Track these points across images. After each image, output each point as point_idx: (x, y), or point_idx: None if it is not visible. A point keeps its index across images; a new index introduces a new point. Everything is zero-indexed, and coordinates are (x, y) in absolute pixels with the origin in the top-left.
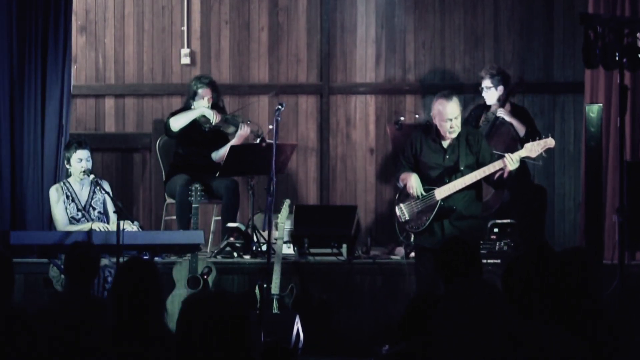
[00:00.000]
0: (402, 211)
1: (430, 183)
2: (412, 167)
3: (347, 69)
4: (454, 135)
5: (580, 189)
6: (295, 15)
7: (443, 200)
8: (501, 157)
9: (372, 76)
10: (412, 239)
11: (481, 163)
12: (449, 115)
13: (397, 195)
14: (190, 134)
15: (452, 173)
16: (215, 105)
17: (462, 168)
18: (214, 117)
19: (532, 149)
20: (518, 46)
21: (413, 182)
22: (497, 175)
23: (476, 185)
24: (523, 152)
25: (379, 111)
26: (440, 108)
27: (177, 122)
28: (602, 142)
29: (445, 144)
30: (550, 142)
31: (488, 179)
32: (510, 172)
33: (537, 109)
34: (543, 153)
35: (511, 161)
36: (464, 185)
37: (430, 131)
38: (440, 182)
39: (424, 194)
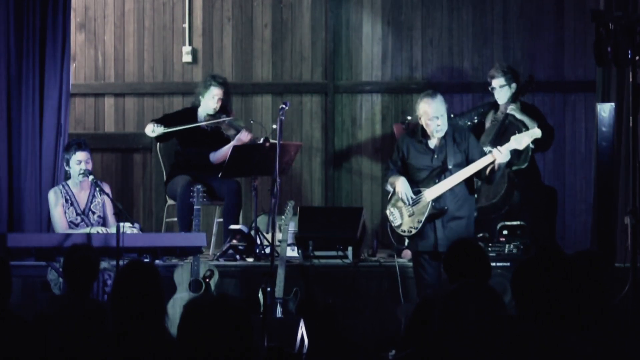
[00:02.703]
0: (394, 215)
1: (419, 185)
2: (400, 171)
3: (352, 67)
4: (441, 134)
5: (591, 190)
6: (300, 12)
7: (434, 201)
8: (490, 152)
9: (379, 74)
10: (406, 243)
11: (471, 160)
12: (434, 113)
13: (388, 199)
14: (192, 134)
15: (441, 173)
16: (223, 108)
17: (450, 167)
18: (152, 130)
19: (520, 141)
20: (528, 44)
21: (401, 187)
22: (489, 169)
23: (467, 185)
24: (510, 145)
25: (385, 110)
26: (426, 107)
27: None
28: (614, 142)
29: (432, 144)
30: (536, 132)
31: (479, 173)
32: (499, 165)
33: (547, 108)
34: (531, 144)
35: (500, 154)
36: (454, 184)
37: (416, 133)
38: (430, 183)
39: (414, 197)
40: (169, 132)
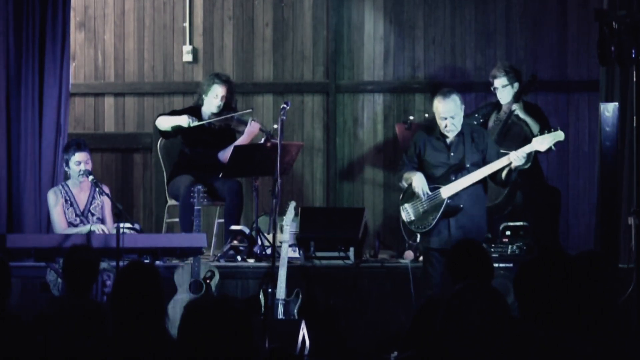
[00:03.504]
0: (407, 211)
1: (435, 182)
2: (415, 167)
3: (354, 66)
4: (452, 134)
5: (595, 191)
6: (301, 11)
7: (449, 198)
8: (507, 154)
9: (380, 74)
10: (418, 239)
11: (488, 161)
12: (443, 113)
13: (402, 195)
14: (200, 134)
15: (458, 171)
16: (228, 106)
17: (468, 165)
18: (187, 123)
19: (541, 143)
20: (531, 43)
21: (418, 182)
22: (505, 172)
23: (481, 183)
24: (532, 147)
25: (387, 110)
26: (438, 105)
27: (161, 123)
28: (617, 142)
29: (449, 141)
30: (559, 135)
31: (494, 176)
32: (515, 168)
33: (550, 107)
34: (552, 147)
35: (517, 157)
36: (471, 183)
37: (434, 130)
38: (446, 181)
39: (429, 193)
40: (199, 124)
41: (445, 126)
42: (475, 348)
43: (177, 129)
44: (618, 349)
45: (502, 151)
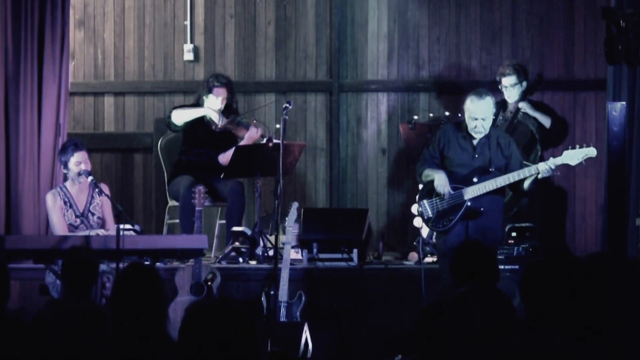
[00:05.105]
0: (426, 208)
1: (455, 181)
2: (437, 164)
3: (357, 65)
4: (479, 135)
5: (602, 192)
6: (304, 9)
7: (470, 200)
8: (527, 165)
9: (384, 73)
10: (434, 237)
11: (510, 170)
12: (474, 114)
13: (419, 191)
14: (199, 134)
15: (482, 173)
16: (229, 107)
17: (492, 169)
18: (219, 120)
19: (572, 157)
20: (537, 41)
21: (441, 181)
22: (529, 181)
23: (501, 189)
24: (562, 159)
25: (391, 110)
26: (470, 105)
27: (179, 117)
28: (625, 142)
29: (475, 142)
30: (591, 151)
31: (516, 185)
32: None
33: (557, 107)
34: (583, 162)
35: (546, 169)
36: (495, 188)
37: (463, 127)
38: (468, 182)
39: (452, 192)
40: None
41: (475, 127)
42: (479, 351)
43: (189, 124)
44: (624, 351)
45: (524, 162)
